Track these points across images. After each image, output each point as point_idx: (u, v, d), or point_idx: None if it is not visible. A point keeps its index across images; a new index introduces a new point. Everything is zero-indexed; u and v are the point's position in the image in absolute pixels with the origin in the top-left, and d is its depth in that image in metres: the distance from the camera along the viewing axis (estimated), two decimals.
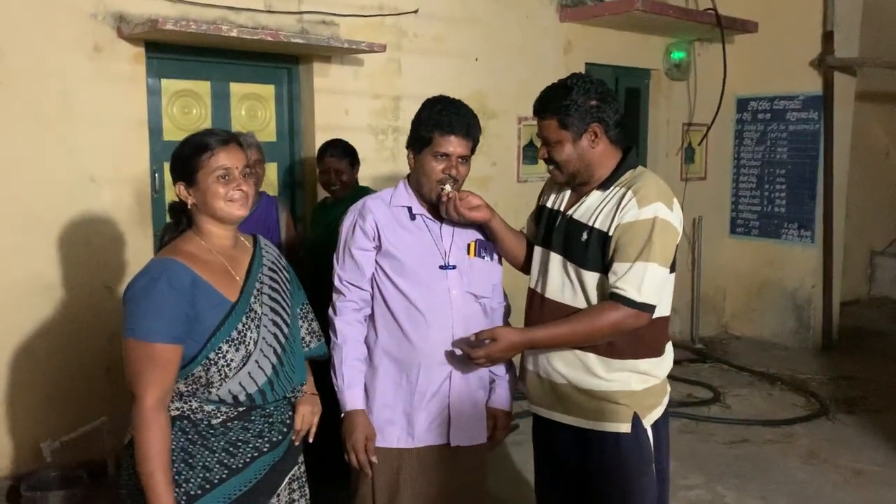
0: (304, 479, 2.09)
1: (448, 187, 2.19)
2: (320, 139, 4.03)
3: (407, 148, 2.30)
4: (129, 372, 1.75)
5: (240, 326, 1.84)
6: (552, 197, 2.33)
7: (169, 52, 3.97)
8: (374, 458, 2.21)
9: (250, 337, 1.85)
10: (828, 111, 6.15)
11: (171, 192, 1.97)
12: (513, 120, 5.32)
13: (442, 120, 2.20)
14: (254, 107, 4.40)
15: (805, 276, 6.40)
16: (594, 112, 2.11)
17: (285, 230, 3.58)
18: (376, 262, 2.26)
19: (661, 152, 6.31)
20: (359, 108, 4.55)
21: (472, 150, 2.27)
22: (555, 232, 2.22)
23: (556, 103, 2.13)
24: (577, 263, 2.13)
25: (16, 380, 3.58)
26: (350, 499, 2.37)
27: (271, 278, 2.00)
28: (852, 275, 7.69)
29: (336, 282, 2.30)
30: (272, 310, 1.94)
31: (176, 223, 1.96)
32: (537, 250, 2.30)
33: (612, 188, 2.13)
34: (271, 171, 4.45)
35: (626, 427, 2.12)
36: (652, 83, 6.29)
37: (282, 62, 4.41)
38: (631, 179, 2.13)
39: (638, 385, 2.13)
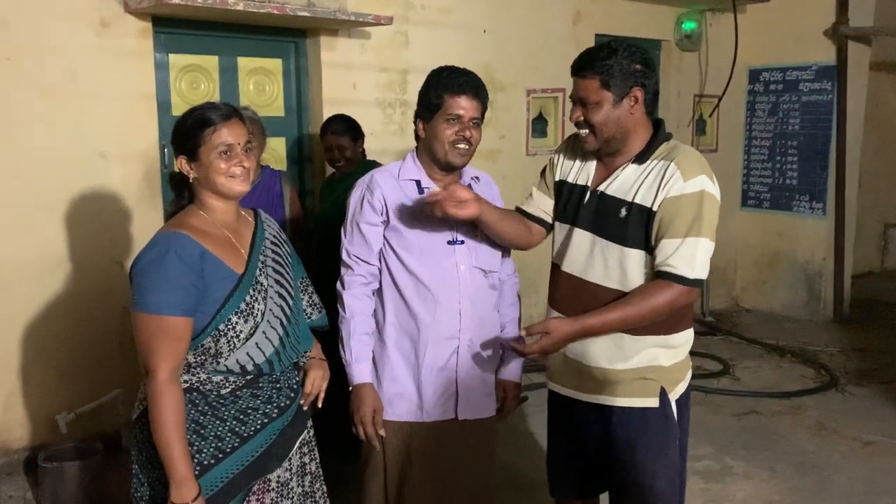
0: (313, 444, 2.12)
1: (434, 187, 2.13)
2: (328, 113, 4.02)
3: (415, 119, 2.28)
4: (142, 346, 1.76)
5: (248, 298, 1.86)
6: (573, 171, 2.23)
7: (176, 26, 3.96)
8: (381, 431, 2.23)
9: (258, 308, 1.87)
10: (841, 81, 6.07)
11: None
12: (521, 92, 5.28)
13: (451, 83, 2.19)
14: (261, 81, 4.39)
15: (816, 248, 6.37)
16: (638, 76, 2.05)
17: (290, 206, 3.58)
18: (384, 236, 2.25)
19: (671, 124, 6.25)
20: (366, 82, 4.53)
21: (482, 116, 2.26)
22: (583, 208, 2.13)
23: (599, 62, 2.05)
24: (617, 241, 2.05)
25: (31, 354, 3.63)
26: (360, 470, 2.39)
27: (274, 251, 2.01)
28: (865, 247, 7.64)
29: (344, 256, 2.30)
30: (277, 282, 1.96)
31: (178, 196, 1.97)
32: (560, 227, 2.23)
33: (648, 162, 2.06)
34: (279, 146, 4.45)
35: (653, 402, 2.09)
36: (663, 54, 6.22)
37: (289, 36, 4.39)
38: (668, 152, 2.06)
39: (666, 360, 2.10)
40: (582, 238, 2.13)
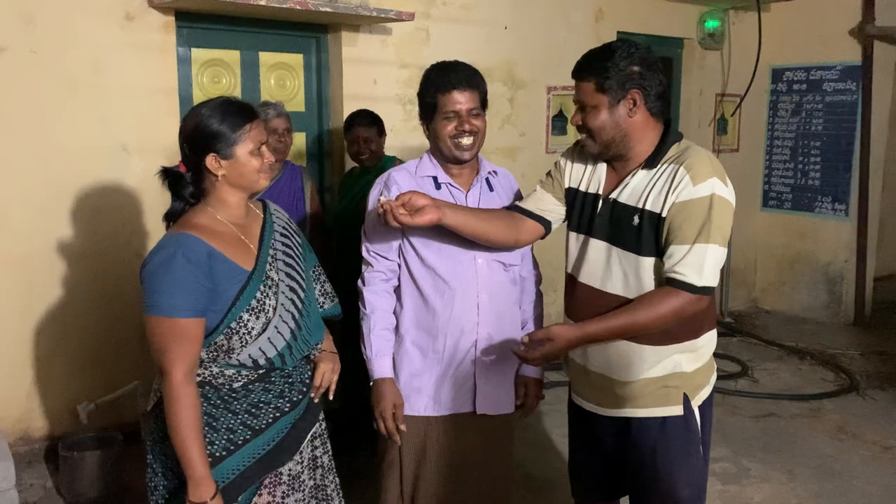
0: (325, 436, 2.11)
1: (383, 197, 2.07)
2: (349, 109, 4.03)
3: (421, 122, 2.31)
4: (155, 348, 1.77)
5: (258, 295, 1.86)
6: (583, 179, 2.17)
7: (199, 21, 3.99)
8: (402, 426, 2.24)
9: (269, 304, 1.87)
10: (866, 81, 6.00)
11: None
12: (542, 89, 5.27)
13: (439, 81, 2.20)
14: (283, 76, 4.41)
15: (838, 250, 6.30)
16: (636, 78, 1.98)
17: (310, 201, 3.60)
18: (402, 232, 2.25)
19: (693, 123, 6.21)
20: (387, 78, 4.54)
21: (483, 104, 2.25)
22: (597, 217, 2.08)
23: (595, 65, 2.00)
24: (632, 250, 2.00)
25: (52, 344, 3.67)
26: (377, 465, 2.40)
27: (284, 244, 2.00)
28: (888, 249, 7.54)
29: (364, 252, 2.31)
30: (288, 275, 1.96)
31: (176, 195, 1.93)
32: (575, 237, 2.17)
33: (659, 166, 2.01)
34: (300, 141, 4.47)
35: (677, 410, 2.05)
36: (685, 52, 6.18)
37: (310, 31, 4.40)
38: (679, 155, 1.98)
39: (689, 365, 2.06)
40: (598, 248, 2.08)
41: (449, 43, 4.66)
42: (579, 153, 2.21)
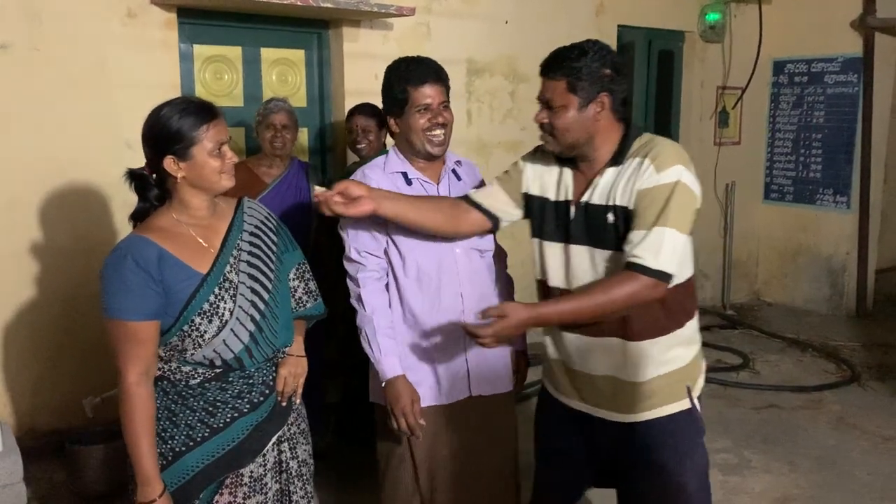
0: (296, 441, 2.05)
1: (316, 188, 2.08)
2: (350, 104, 4.04)
3: (387, 116, 2.31)
4: (112, 349, 1.79)
5: (212, 298, 1.83)
6: (550, 187, 2.13)
7: (201, 17, 4.01)
8: (422, 421, 2.22)
9: (224, 307, 1.84)
10: (868, 73, 6.00)
11: None
12: None
13: (411, 75, 2.22)
14: (284, 72, 4.42)
15: (840, 242, 6.31)
16: (606, 82, 1.98)
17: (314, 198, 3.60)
18: (385, 230, 2.25)
19: (694, 116, 6.22)
20: None
21: (448, 97, 2.29)
22: (572, 224, 2.05)
23: (567, 64, 1.98)
24: (613, 248, 1.98)
25: (58, 339, 3.70)
26: (377, 460, 2.41)
27: (252, 243, 1.95)
28: (889, 241, 7.54)
29: (352, 255, 2.27)
30: (250, 276, 1.91)
31: (142, 197, 1.91)
32: (551, 246, 2.12)
33: (625, 162, 1.99)
34: (302, 136, 4.48)
35: (684, 404, 2.04)
36: (686, 45, 6.18)
37: (312, 27, 4.42)
38: (643, 148, 1.98)
39: (687, 355, 2.06)
40: (580, 254, 2.06)
41: (450, 37, 4.66)
42: (541, 158, 2.19)
